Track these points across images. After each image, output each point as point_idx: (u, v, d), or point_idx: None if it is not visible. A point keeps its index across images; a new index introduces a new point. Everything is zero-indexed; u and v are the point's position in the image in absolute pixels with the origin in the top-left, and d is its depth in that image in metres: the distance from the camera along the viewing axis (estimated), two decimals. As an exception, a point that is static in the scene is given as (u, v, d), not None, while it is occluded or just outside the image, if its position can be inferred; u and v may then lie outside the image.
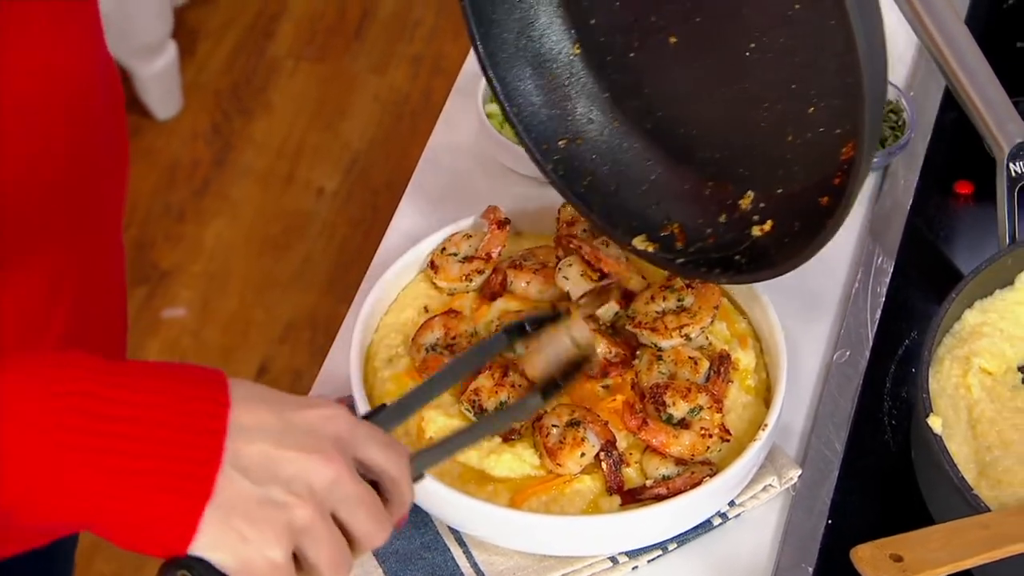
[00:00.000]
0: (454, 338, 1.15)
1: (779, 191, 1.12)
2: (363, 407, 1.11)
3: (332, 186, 2.72)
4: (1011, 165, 1.25)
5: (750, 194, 1.14)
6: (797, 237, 1.09)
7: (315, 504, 0.84)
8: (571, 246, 1.19)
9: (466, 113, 1.37)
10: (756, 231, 1.13)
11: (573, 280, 1.17)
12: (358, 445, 0.87)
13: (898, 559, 1.00)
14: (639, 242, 1.18)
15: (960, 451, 1.11)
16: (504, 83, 1.20)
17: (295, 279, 2.56)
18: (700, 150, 1.17)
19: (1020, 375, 1.18)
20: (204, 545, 0.81)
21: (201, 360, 2.43)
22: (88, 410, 0.80)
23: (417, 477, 0.92)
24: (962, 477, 1.07)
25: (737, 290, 1.20)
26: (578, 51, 1.19)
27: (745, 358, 1.16)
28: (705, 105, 1.15)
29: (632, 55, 1.17)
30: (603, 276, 1.18)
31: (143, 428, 0.80)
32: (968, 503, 1.05)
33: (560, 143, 1.21)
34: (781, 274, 1.10)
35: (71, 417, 0.79)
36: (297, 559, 0.85)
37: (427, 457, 0.93)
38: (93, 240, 1.11)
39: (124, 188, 1.17)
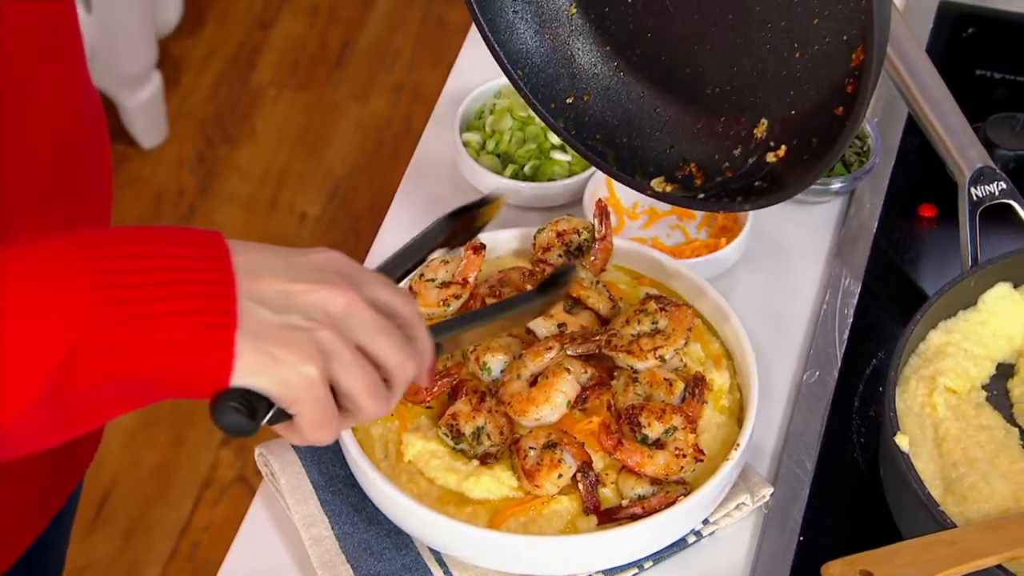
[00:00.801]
0: (432, 363, 1.15)
1: (793, 112, 1.10)
2: (345, 433, 1.11)
3: (315, 211, 2.71)
4: (972, 189, 1.25)
5: (764, 121, 1.12)
6: (816, 152, 1.06)
7: (335, 329, 0.88)
8: (541, 271, 1.18)
9: (443, 141, 1.37)
10: (771, 157, 1.11)
11: (535, 320, 1.16)
12: (364, 284, 0.91)
13: (868, 575, 1.00)
14: (657, 184, 1.16)
15: (927, 468, 1.11)
16: (506, 48, 1.19)
17: (279, 303, 2.55)
18: (708, 86, 1.15)
19: (984, 394, 1.18)
20: (243, 373, 0.85)
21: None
22: (113, 268, 0.84)
23: (435, 346, 0.94)
24: (929, 494, 1.06)
25: (708, 313, 1.20)
26: (575, 10, 1.19)
27: (719, 379, 1.16)
28: (707, 40, 1.13)
29: (629, 2, 1.16)
30: (571, 300, 1.17)
31: (164, 275, 0.84)
32: (935, 519, 1.05)
33: (568, 100, 1.20)
34: (807, 187, 1.07)
35: (102, 277, 0.83)
36: (336, 397, 0.89)
37: (438, 328, 0.96)
38: None
39: (109, 212, 1.18)
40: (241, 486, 2.31)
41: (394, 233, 1.32)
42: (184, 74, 2.92)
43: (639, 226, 1.31)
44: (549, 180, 1.32)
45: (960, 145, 1.27)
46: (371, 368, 0.90)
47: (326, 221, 2.69)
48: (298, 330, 0.87)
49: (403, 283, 1.20)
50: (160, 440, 2.37)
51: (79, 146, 1.07)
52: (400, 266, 1.05)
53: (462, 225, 1.08)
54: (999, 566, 1.02)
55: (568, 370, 1.14)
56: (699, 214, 1.32)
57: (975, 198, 1.25)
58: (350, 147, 2.82)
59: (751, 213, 1.28)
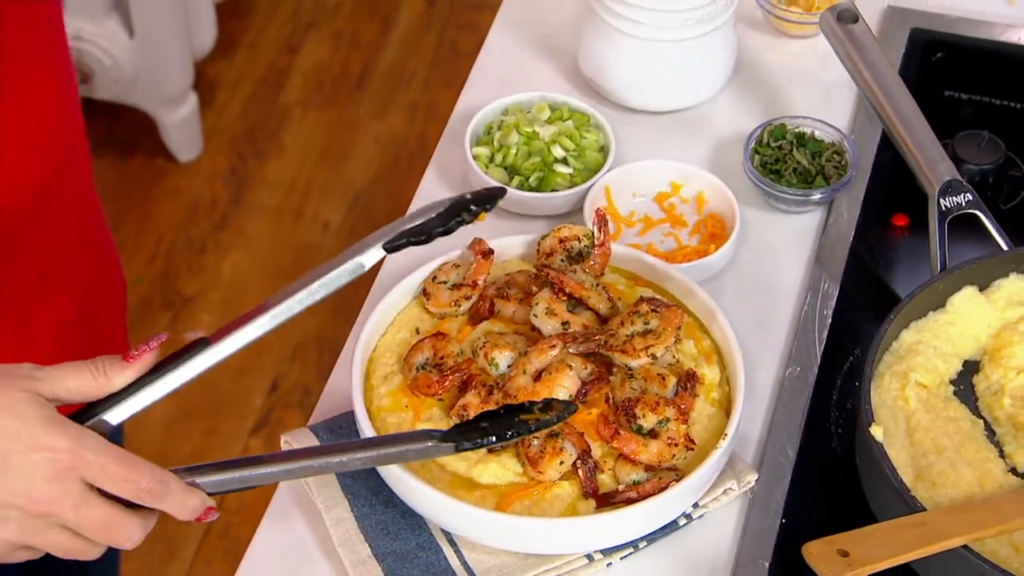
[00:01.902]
0: (442, 357, 1.14)
1: None
2: (363, 420, 1.11)
3: (337, 220, 2.71)
4: (941, 200, 1.25)
5: None
6: None
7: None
8: (545, 275, 1.18)
9: (455, 155, 1.37)
10: None
11: (540, 318, 1.16)
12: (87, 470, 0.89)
13: (844, 554, 0.99)
14: None
15: (899, 457, 1.10)
16: None
17: (304, 304, 2.55)
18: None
19: (952, 388, 1.17)
20: None
21: (218, 379, 2.42)
22: None
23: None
24: (901, 480, 1.06)
25: (699, 312, 1.19)
26: None
27: (710, 373, 1.15)
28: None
29: None
30: (573, 300, 1.17)
31: None
32: (906, 503, 1.05)
33: None
34: None
35: None
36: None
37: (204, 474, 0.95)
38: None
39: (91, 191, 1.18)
40: (269, 473, 2.31)
41: (410, 239, 1.31)
42: (218, 94, 2.92)
43: (635, 233, 1.31)
44: (552, 191, 1.32)
45: (930, 160, 1.26)
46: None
47: (347, 229, 2.69)
48: None
49: (416, 284, 1.20)
50: (193, 431, 2.37)
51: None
52: (398, 229, 1.01)
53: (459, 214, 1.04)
54: (965, 546, 1.02)
55: (570, 366, 1.13)
56: (690, 223, 1.32)
57: (944, 208, 1.24)
58: (370, 161, 2.82)
59: (738, 221, 1.28)
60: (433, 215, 1.01)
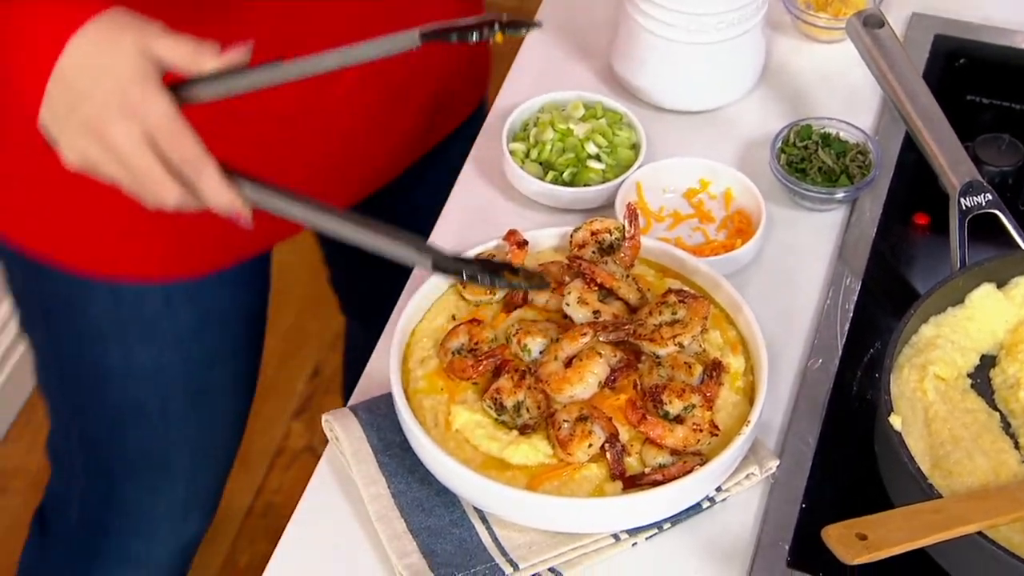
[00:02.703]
0: (477, 343, 1.14)
1: None
2: (400, 401, 1.11)
3: (378, 216, 2.72)
4: (962, 200, 1.24)
5: None
6: None
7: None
8: (577, 266, 1.18)
9: (493, 150, 1.37)
10: None
11: (572, 306, 1.16)
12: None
13: (863, 537, 0.99)
14: None
15: (917, 446, 1.09)
16: None
17: (345, 295, 2.55)
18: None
19: (969, 381, 1.16)
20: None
21: (262, 365, 2.42)
22: None
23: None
24: (918, 468, 1.05)
25: (725, 304, 1.19)
26: None
27: (735, 363, 1.15)
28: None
29: None
30: (604, 290, 1.17)
31: None
32: (923, 490, 1.04)
33: None
34: None
35: None
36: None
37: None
38: None
39: None
40: (309, 455, 2.31)
41: (447, 231, 1.31)
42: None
43: (664, 228, 1.30)
44: (585, 185, 1.31)
45: (952, 161, 1.25)
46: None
47: (388, 224, 2.69)
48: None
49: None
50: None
51: None
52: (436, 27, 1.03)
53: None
54: (980, 533, 1.01)
55: (600, 354, 1.13)
56: (718, 218, 1.31)
57: (964, 208, 1.23)
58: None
59: (764, 217, 1.27)
60: (469, 22, 1.03)
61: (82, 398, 1.44)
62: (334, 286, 1.81)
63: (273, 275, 2.59)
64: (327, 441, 1.16)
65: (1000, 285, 1.20)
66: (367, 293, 1.60)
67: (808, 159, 1.32)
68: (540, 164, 1.33)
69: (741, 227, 1.29)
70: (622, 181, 1.30)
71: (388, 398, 1.16)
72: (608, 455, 1.09)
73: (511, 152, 1.33)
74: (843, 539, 0.98)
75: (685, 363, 1.13)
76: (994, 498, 1.03)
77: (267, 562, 1.09)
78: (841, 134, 1.33)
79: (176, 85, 1.03)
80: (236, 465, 2.21)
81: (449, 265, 1.02)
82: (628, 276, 1.19)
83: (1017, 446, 1.12)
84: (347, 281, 1.77)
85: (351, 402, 1.19)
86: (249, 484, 2.27)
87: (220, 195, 1.01)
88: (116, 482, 1.50)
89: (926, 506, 1.02)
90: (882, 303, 1.25)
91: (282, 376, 2.43)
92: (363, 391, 1.19)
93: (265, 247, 1.41)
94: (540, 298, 1.18)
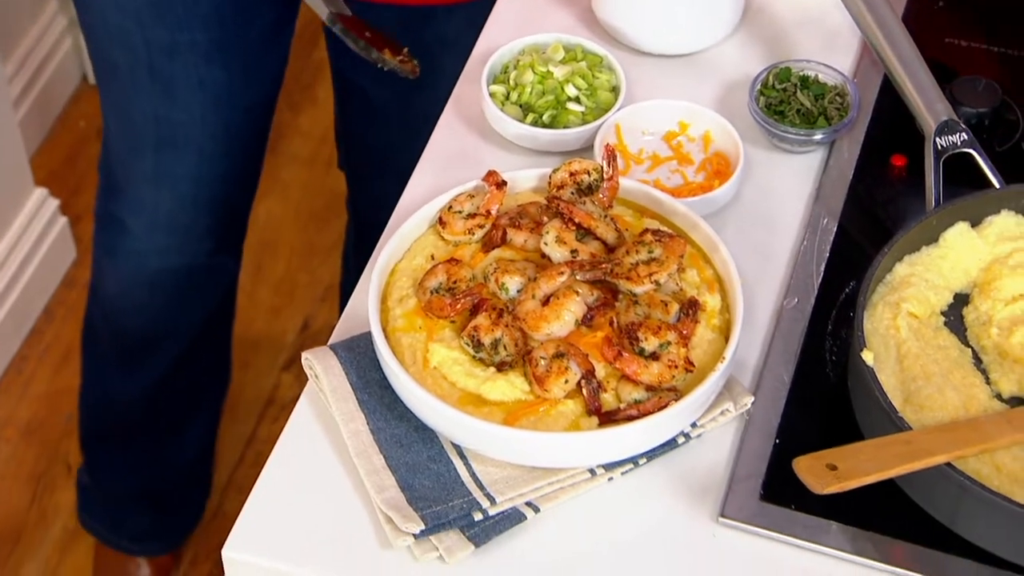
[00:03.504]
0: (455, 282, 1.15)
1: None
2: (379, 340, 1.12)
3: (367, 169, 2.72)
4: (937, 139, 1.24)
5: None
6: None
7: None
8: (556, 205, 1.18)
9: (473, 93, 1.37)
10: None
11: (550, 246, 1.17)
12: None
13: (833, 468, 1.00)
14: None
15: (889, 382, 1.11)
16: None
17: (334, 248, 2.56)
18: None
19: (942, 319, 1.17)
20: None
21: (253, 316, 2.44)
22: None
23: None
24: (890, 402, 1.06)
25: (702, 243, 1.20)
26: None
27: (712, 301, 1.16)
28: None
29: None
30: (582, 230, 1.18)
31: None
32: (894, 423, 1.05)
33: None
34: None
35: None
36: None
37: None
38: None
39: None
40: (299, 405, 2.33)
41: (427, 173, 1.32)
42: (255, 48, 2.92)
43: (643, 170, 1.31)
44: (565, 127, 1.32)
45: (928, 100, 1.26)
46: None
47: (377, 178, 2.70)
48: None
49: (433, 212, 1.21)
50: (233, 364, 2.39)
51: None
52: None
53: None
54: (948, 464, 1.02)
55: (577, 292, 1.14)
56: (697, 161, 1.32)
57: (939, 147, 1.24)
58: (399, 114, 2.83)
59: (742, 159, 1.28)
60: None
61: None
62: (338, 137, 1.85)
63: (263, 227, 2.61)
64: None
65: (974, 224, 1.20)
66: (368, 146, 1.64)
67: (787, 101, 1.33)
68: (520, 107, 1.33)
69: (720, 169, 1.30)
70: (601, 123, 1.31)
71: (367, 337, 1.17)
72: (584, 391, 1.10)
73: (491, 95, 1.33)
74: (813, 469, 1.00)
75: (662, 301, 1.14)
76: (962, 430, 1.04)
77: (255, 508, 1.10)
78: (820, 76, 1.34)
79: None
80: (226, 416, 2.23)
81: (338, 23, 1.01)
82: (606, 216, 1.19)
83: (988, 381, 1.13)
84: (351, 135, 1.79)
85: (331, 340, 1.20)
86: (239, 435, 2.28)
87: None
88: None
89: (896, 438, 1.03)
90: (858, 244, 1.26)
91: (272, 328, 2.44)
92: (343, 330, 1.21)
93: None
94: (519, 238, 1.19)
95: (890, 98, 1.33)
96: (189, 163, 1.58)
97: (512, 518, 1.08)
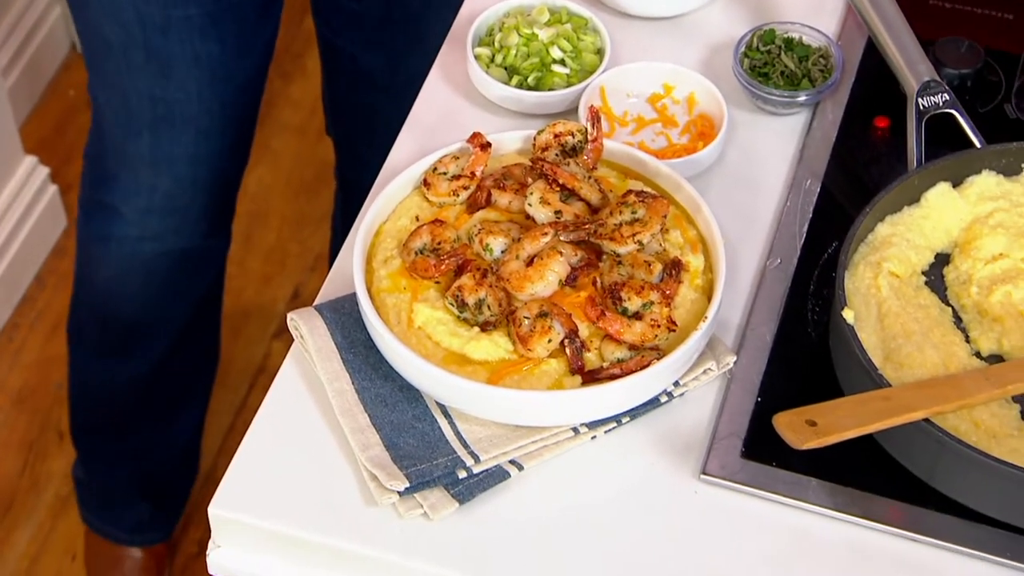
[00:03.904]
0: (439, 243, 1.16)
1: None
2: (364, 300, 1.12)
3: (358, 138, 2.72)
4: (920, 100, 1.25)
5: None
6: None
7: None
8: (540, 167, 1.19)
9: (459, 55, 1.37)
10: None
11: (534, 207, 1.17)
12: None
13: (812, 424, 1.01)
14: None
15: (869, 340, 1.12)
16: None
17: (324, 217, 2.56)
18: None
19: (923, 279, 1.18)
20: None
21: (244, 285, 2.44)
22: None
23: None
24: (869, 359, 1.07)
25: (686, 204, 1.20)
26: None
27: (695, 261, 1.16)
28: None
29: None
30: (566, 191, 1.18)
31: None
32: (874, 381, 1.06)
33: None
34: None
35: None
36: None
37: None
38: None
39: None
40: (290, 373, 2.33)
41: (412, 135, 1.32)
42: (245, 17, 2.91)
43: (628, 132, 1.31)
44: (549, 90, 1.32)
45: (911, 61, 1.26)
46: None
47: (367, 147, 2.70)
48: None
49: (418, 174, 1.21)
50: (223, 332, 2.39)
51: None
52: None
53: None
54: (926, 419, 1.03)
55: (560, 253, 1.14)
56: (681, 123, 1.32)
57: (922, 108, 1.24)
58: (390, 83, 2.82)
59: (726, 121, 1.28)
60: None
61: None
62: (325, 104, 1.85)
63: (253, 197, 2.61)
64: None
65: (955, 184, 1.21)
66: (356, 111, 1.63)
67: (771, 63, 1.33)
68: (505, 69, 1.34)
69: (704, 131, 1.31)
70: (586, 86, 1.31)
71: (352, 298, 1.18)
72: (567, 350, 1.11)
73: (476, 57, 1.34)
74: (793, 425, 1.01)
75: (645, 262, 1.14)
76: (941, 386, 1.05)
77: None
78: (804, 38, 1.34)
79: None
80: (217, 384, 2.24)
81: None
82: (590, 177, 1.20)
83: (968, 340, 1.14)
84: (339, 100, 1.79)
85: (316, 301, 1.20)
86: (231, 403, 2.29)
87: None
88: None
89: (875, 394, 1.04)
90: (841, 205, 1.27)
91: (263, 297, 2.45)
92: (329, 291, 1.21)
93: None
94: (503, 199, 1.20)
95: (874, 60, 1.34)
96: (187, 143, 1.56)
97: (496, 476, 1.09)
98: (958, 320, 1.15)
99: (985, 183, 1.20)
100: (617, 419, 1.12)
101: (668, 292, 1.13)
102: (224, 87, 1.54)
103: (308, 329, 1.16)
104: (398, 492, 1.07)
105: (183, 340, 1.80)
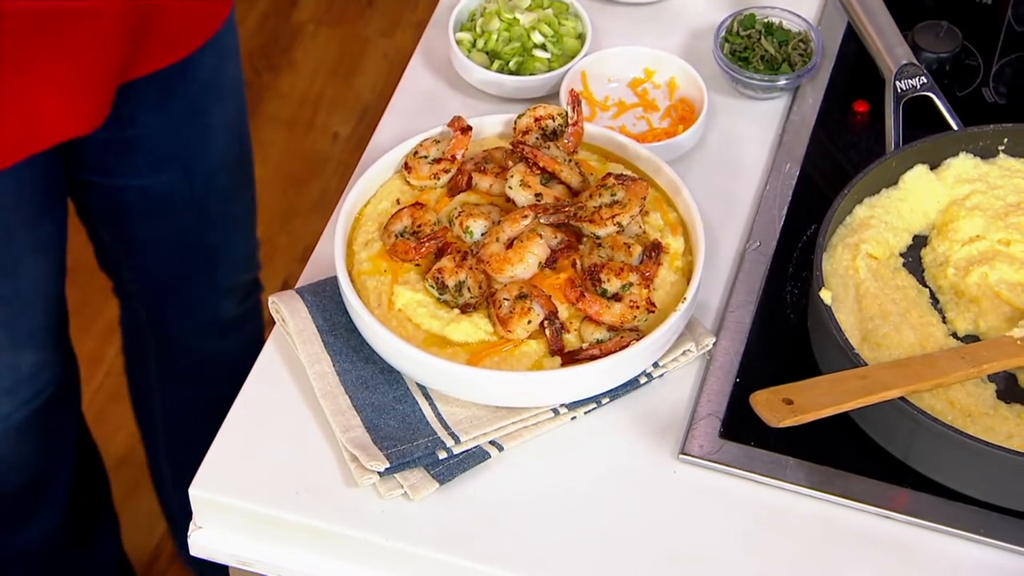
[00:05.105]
0: (420, 226, 1.16)
1: None
2: (345, 283, 1.12)
3: (346, 131, 2.71)
4: (897, 83, 1.25)
5: None
6: None
7: None
8: (520, 150, 1.19)
9: (440, 40, 1.37)
10: None
11: (515, 189, 1.17)
12: None
13: (789, 402, 1.01)
14: None
15: (847, 320, 1.12)
16: None
17: (313, 209, 2.56)
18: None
19: (901, 260, 1.18)
20: None
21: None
22: None
23: None
24: (847, 339, 1.07)
25: (666, 187, 1.20)
26: None
27: (675, 244, 1.16)
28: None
29: None
30: (547, 174, 1.18)
31: None
32: (851, 360, 1.06)
33: None
34: None
35: None
36: None
37: None
38: None
39: None
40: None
41: (396, 116, 1.32)
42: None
43: (609, 117, 1.31)
44: (531, 74, 1.32)
45: (889, 44, 1.27)
46: None
47: (355, 140, 2.69)
48: None
49: (399, 158, 1.21)
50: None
51: None
52: None
53: None
54: (902, 398, 1.03)
55: (540, 235, 1.14)
56: (662, 107, 1.32)
57: (899, 91, 1.24)
58: (378, 76, 2.82)
59: (706, 105, 1.28)
60: None
61: None
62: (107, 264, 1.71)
63: (241, 189, 2.60)
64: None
65: (933, 167, 1.21)
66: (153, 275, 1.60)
67: (751, 48, 1.33)
68: (487, 54, 1.34)
69: (685, 116, 1.31)
70: (567, 70, 1.31)
71: (333, 281, 1.17)
72: (547, 332, 1.11)
73: (458, 42, 1.33)
74: (770, 403, 1.01)
75: (624, 244, 1.14)
76: (917, 365, 1.05)
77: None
78: (784, 23, 1.34)
79: None
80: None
81: None
82: (571, 161, 1.20)
83: (944, 320, 1.14)
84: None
85: (298, 284, 1.20)
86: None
87: None
88: None
89: (852, 373, 1.04)
90: (820, 188, 1.27)
91: (251, 288, 2.44)
92: (309, 275, 1.21)
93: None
94: (484, 183, 1.20)
95: (853, 45, 1.34)
96: (37, 317, 1.48)
97: (476, 456, 1.09)
98: (935, 301, 1.15)
99: (962, 165, 1.20)
100: (597, 400, 1.12)
101: (648, 274, 1.13)
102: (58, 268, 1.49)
103: (289, 312, 1.16)
104: (378, 472, 1.07)
105: (76, 481, 1.66)
